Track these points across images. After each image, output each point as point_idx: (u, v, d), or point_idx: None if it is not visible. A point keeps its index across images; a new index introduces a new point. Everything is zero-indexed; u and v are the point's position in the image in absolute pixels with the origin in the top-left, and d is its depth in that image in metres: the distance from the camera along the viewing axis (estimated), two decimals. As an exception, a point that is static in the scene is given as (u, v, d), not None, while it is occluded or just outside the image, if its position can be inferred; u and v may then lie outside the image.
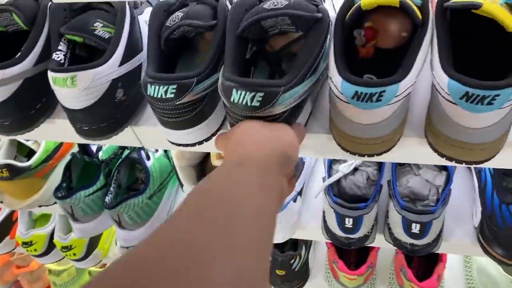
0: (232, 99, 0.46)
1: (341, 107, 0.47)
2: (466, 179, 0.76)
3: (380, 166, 0.70)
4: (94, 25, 0.57)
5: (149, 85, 0.49)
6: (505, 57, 0.46)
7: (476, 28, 0.50)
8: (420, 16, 0.48)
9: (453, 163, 0.49)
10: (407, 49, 0.47)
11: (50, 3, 0.59)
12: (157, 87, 0.48)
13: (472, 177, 0.73)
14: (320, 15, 0.49)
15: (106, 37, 0.56)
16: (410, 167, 0.70)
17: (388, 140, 0.50)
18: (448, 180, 0.66)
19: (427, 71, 0.47)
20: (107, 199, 0.75)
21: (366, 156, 0.52)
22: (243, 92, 0.45)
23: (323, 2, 0.57)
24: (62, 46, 0.56)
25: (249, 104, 0.45)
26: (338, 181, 0.71)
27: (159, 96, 0.49)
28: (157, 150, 0.82)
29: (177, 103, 0.49)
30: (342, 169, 0.67)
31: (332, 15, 0.54)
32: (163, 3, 0.56)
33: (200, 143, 0.55)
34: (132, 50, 0.57)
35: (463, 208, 0.73)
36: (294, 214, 0.73)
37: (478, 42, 0.51)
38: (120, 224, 0.77)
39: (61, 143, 0.88)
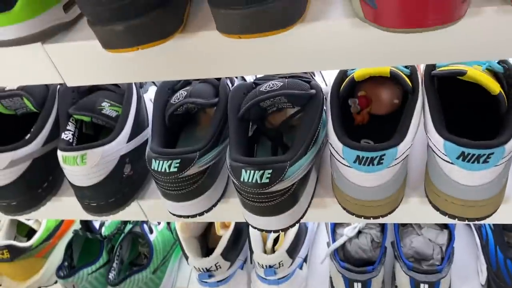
0: (242, 179, 0.48)
1: (344, 171, 0.49)
2: (467, 236, 0.77)
3: (383, 227, 0.71)
4: (102, 104, 0.59)
5: (153, 160, 0.51)
6: (492, 118, 0.49)
7: (464, 92, 0.53)
8: (410, 84, 0.51)
9: (456, 221, 0.50)
10: (401, 114, 0.51)
11: (59, 86, 0.62)
12: (161, 161, 0.50)
13: (473, 234, 0.74)
14: (313, 91, 0.52)
15: (113, 115, 0.59)
16: (412, 227, 0.71)
17: (391, 202, 0.51)
18: (451, 238, 0.67)
19: (419, 133, 0.50)
20: (111, 275, 0.74)
21: (371, 218, 0.53)
22: (252, 171, 0.48)
23: (313, 77, 0.61)
24: (70, 126, 0.58)
25: (259, 181, 0.48)
26: (343, 245, 0.72)
27: (163, 170, 0.51)
28: (159, 223, 0.83)
29: (180, 176, 0.51)
30: (347, 232, 0.68)
31: (324, 87, 0.58)
32: (168, 83, 0.59)
33: (201, 214, 0.56)
34: (139, 127, 0.60)
35: (468, 266, 0.73)
36: (301, 281, 0.72)
37: (467, 104, 0.55)
38: (124, 302, 0.75)
39: (62, 221, 0.88)
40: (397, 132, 0.49)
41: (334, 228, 0.71)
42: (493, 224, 0.66)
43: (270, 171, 0.48)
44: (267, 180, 0.48)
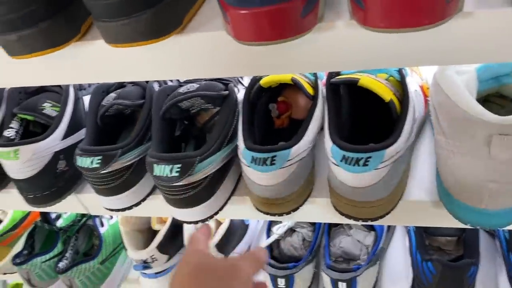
0: (154, 173, 0.52)
1: (245, 170, 0.53)
2: (403, 240, 0.79)
3: (315, 227, 0.74)
4: (43, 105, 0.64)
5: (77, 157, 0.55)
6: (389, 123, 0.52)
7: (368, 99, 0.56)
8: (311, 91, 0.55)
9: (351, 221, 0.53)
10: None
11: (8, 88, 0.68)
12: (84, 158, 0.55)
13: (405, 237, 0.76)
14: (226, 92, 0.56)
15: (53, 115, 0.64)
16: (343, 228, 0.73)
17: (292, 200, 0.55)
18: (377, 240, 0.69)
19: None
20: (61, 264, 0.79)
21: (276, 215, 0.56)
22: (163, 166, 0.52)
23: (240, 81, 0.64)
24: (14, 124, 0.64)
25: (169, 175, 0.52)
26: (277, 244, 0.75)
27: (86, 166, 0.55)
28: (111, 217, 0.87)
29: (103, 172, 0.55)
30: (276, 231, 0.71)
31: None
32: (103, 85, 0.64)
33: (129, 208, 0.60)
34: (75, 126, 0.65)
35: (400, 269, 0.75)
36: (237, 276, 0.76)
37: (369, 111, 0.58)
38: (72, 289, 0.80)
39: (29, 213, 0.94)
40: (294, 136, 0.52)
41: (269, 226, 0.75)
42: (415, 228, 0.68)
43: (179, 165, 0.52)
44: (177, 174, 0.52)
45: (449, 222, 0.53)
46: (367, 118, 0.57)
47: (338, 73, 0.55)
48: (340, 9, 0.39)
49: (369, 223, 0.53)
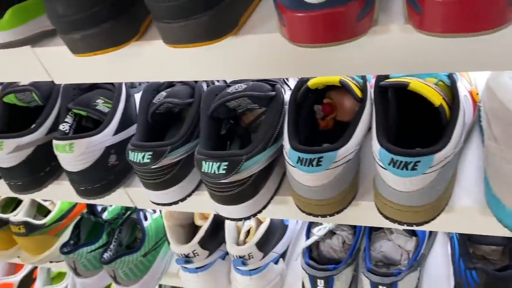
0: (202, 169, 0.54)
1: (290, 170, 0.53)
2: (445, 248, 0.78)
3: (355, 230, 0.74)
4: (96, 101, 0.67)
5: (130, 152, 0.58)
6: (436, 127, 0.52)
7: (418, 103, 0.56)
8: (359, 94, 0.55)
9: (396, 225, 0.53)
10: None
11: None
12: (136, 153, 0.57)
13: (448, 243, 0.75)
14: (273, 93, 0.57)
15: (105, 111, 0.67)
16: (384, 232, 0.73)
17: (336, 202, 0.55)
18: (418, 245, 0.68)
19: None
20: (105, 255, 0.82)
21: (319, 216, 0.57)
22: (210, 163, 0.53)
23: (286, 82, 0.65)
24: (68, 119, 0.67)
25: (216, 172, 0.53)
26: (317, 245, 0.75)
27: (137, 161, 0.57)
28: (155, 212, 0.90)
29: (153, 167, 0.57)
30: (316, 232, 0.72)
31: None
32: (153, 84, 0.66)
33: (176, 203, 0.62)
34: (126, 122, 0.67)
35: (441, 276, 0.74)
36: (275, 275, 0.76)
37: (420, 115, 0.57)
38: (115, 280, 0.83)
39: (75, 204, 0.98)
40: (341, 138, 0.53)
41: (309, 228, 0.75)
42: (459, 235, 0.67)
43: (226, 163, 0.53)
44: (224, 171, 0.53)
45: (497, 230, 0.52)
46: (414, 122, 0.57)
47: (386, 76, 0.55)
48: (393, 13, 0.39)
49: (414, 228, 0.53)
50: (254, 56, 0.44)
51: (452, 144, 0.48)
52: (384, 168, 0.48)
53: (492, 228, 0.52)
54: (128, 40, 0.45)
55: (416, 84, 0.51)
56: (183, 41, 0.40)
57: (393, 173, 0.48)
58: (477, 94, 0.60)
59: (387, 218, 0.53)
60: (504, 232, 0.52)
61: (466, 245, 0.66)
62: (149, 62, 0.48)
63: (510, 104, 0.43)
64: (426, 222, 0.52)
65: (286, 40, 0.39)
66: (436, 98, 0.50)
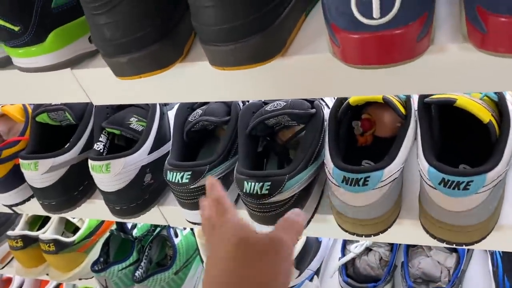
0: (244, 190, 0.53)
1: (334, 190, 0.52)
2: (483, 262, 0.76)
3: (392, 247, 0.72)
4: (130, 120, 0.67)
5: (168, 172, 0.57)
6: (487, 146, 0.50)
7: (463, 120, 0.55)
8: (403, 110, 0.54)
9: (444, 244, 0.52)
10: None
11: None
12: (174, 173, 0.56)
13: (488, 260, 0.73)
14: (314, 110, 0.56)
15: (139, 130, 0.66)
16: (422, 249, 0.71)
17: (382, 221, 0.54)
18: (459, 262, 0.67)
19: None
20: (137, 273, 0.82)
21: (363, 236, 0.55)
22: (253, 183, 0.52)
23: (322, 98, 0.64)
24: (102, 138, 0.66)
25: (259, 192, 0.52)
26: (353, 262, 0.74)
27: (176, 181, 0.56)
28: (185, 228, 0.89)
29: (191, 187, 0.57)
30: (353, 249, 0.70)
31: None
32: (188, 102, 0.66)
33: (214, 222, 0.61)
34: (160, 140, 0.67)
35: (482, 292, 0.72)
36: (310, 293, 0.75)
37: (466, 132, 0.56)
38: (148, 298, 0.82)
39: (103, 221, 0.97)
40: (387, 156, 0.51)
41: (345, 244, 0.74)
42: (503, 252, 0.65)
43: (269, 183, 0.52)
44: (267, 192, 0.52)
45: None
46: (459, 139, 0.55)
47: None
48: (448, 31, 0.38)
49: (464, 247, 0.51)
50: (301, 76, 0.43)
51: (504, 162, 0.46)
52: (434, 188, 0.47)
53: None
54: (173, 62, 0.44)
55: (463, 100, 0.49)
56: (231, 64, 0.40)
57: (444, 192, 0.46)
58: None
59: (435, 238, 0.52)
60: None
61: (510, 262, 0.64)
62: (192, 83, 0.47)
63: None
64: (477, 242, 0.51)
65: (335, 60, 0.38)
66: (485, 115, 0.49)
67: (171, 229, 0.87)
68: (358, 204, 0.51)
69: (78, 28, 0.49)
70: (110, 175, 0.61)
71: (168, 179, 0.57)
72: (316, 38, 0.42)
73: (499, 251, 0.66)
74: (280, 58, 0.41)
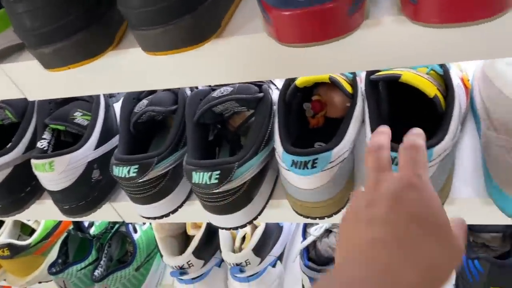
0: (193, 180, 0.51)
1: (284, 174, 0.51)
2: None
3: (352, 227, 0.72)
4: (74, 114, 0.64)
5: (114, 167, 0.55)
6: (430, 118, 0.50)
7: (411, 95, 0.54)
8: (350, 90, 0.53)
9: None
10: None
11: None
12: (121, 168, 0.54)
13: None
14: (261, 94, 0.55)
15: (84, 124, 0.63)
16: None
17: (335, 203, 0.53)
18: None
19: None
20: (96, 272, 0.79)
21: (317, 218, 0.55)
22: (201, 173, 0.51)
23: (272, 81, 0.63)
24: (46, 135, 0.63)
25: (208, 182, 0.51)
26: (314, 245, 0.73)
27: (123, 176, 0.54)
28: (144, 223, 0.87)
29: (140, 181, 0.55)
30: (313, 232, 0.70)
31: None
32: (134, 92, 0.63)
33: (167, 215, 0.59)
34: (107, 134, 0.64)
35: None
36: (273, 279, 0.74)
37: (412, 107, 0.56)
38: (109, 297, 0.80)
39: (60, 222, 0.94)
40: (335, 136, 0.50)
41: (305, 228, 0.73)
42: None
43: (218, 172, 0.51)
44: (216, 181, 0.51)
45: (500, 219, 0.51)
46: (408, 114, 0.55)
47: (374, 71, 0.53)
48: (384, 5, 0.37)
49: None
50: (240, 58, 0.41)
51: (450, 136, 0.46)
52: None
53: (495, 217, 0.50)
54: (103, 51, 0.42)
55: (408, 76, 0.49)
56: (163, 48, 0.38)
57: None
58: (468, 80, 0.59)
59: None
60: (507, 221, 0.51)
61: (468, 234, 0.64)
62: (128, 72, 0.45)
63: (508, 91, 0.42)
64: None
65: (273, 40, 0.37)
66: (430, 89, 0.49)
67: (130, 225, 0.85)
68: (309, 187, 0.50)
69: (1, 19, 0.46)
70: (55, 173, 0.58)
71: (114, 174, 0.55)
72: (254, 17, 0.40)
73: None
74: (215, 40, 0.40)
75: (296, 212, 0.55)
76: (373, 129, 0.48)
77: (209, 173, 0.50)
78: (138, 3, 0.35)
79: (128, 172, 0.54)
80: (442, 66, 0.52)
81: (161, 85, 0.45)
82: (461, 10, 0.31)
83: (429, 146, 0.44)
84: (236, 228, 0.56)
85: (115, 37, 0.43)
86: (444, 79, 0.51)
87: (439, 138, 0.45)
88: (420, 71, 0.52)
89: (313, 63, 0.40)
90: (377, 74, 0.51)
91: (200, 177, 0.50)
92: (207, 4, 0.37)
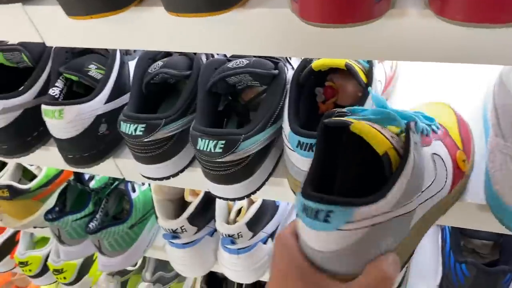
0: (198, 147, 0.52)
1: (289, 154, 0.52)
2: (434, 237, 0.77)
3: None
4: (89, 66, 0.64)
5: (122, 122, 0.55)
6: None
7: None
8: (365, 79, 0.53)
9: None
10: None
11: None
12: (128, 124, 0.55)
13: (439, 235, 0.75)
14: (276, 71, 0.55)
15: (98, 78, 0.64)
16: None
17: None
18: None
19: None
20: (91, 225, 0.81)
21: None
22: (207, 141, 0.51)
23: (288, 60, 0.63)
24: (59, 83, 0.64)
25: (212, 150, 0.51)
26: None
27: (129, 133, 0.55)
28: (143, 184, 0.88)
29: (145, 140, 0.55)
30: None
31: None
32: (150, 52, 0.63)
33: (167, 178, 0.60)
34: (119, 90, 0.64)
35: (429, 266, 0.74)
36: (262, 256, 0.76)
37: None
38: (100, 250, 0.82)
39: (62, 171, 0.95)
40: (343, 123, 0.51)
41: (301, 209, 0.74)
42: (451, 227, 0.67)
43: (223, 141, 0.51)
44: (220, 150, 0.51)
45: (494, 227, 0.51)
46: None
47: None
48: (411, -4, 0.37)
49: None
50: (260, 31, 0.41)
51: (388, 202, 0.34)
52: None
53: (490, 224, 0.51)
54: (127, 5, 0.42)
55: (358, 125, 0.38)
56: (186, 10, 0.38)
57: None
58: (463, 161, 0.48)
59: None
60: (500, 229, 0.51)
61: (458, 238, 0.65)
62: (148, 30, 0.45)
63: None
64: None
65: (296, 17, 0.37)
66: (381, 145, 0.37)
67: (129, 184, 0.86)
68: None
69: (29, -41, 0.46)
70: (63, 121, 0.58)
71: (121, 130, 0.55)
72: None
73: (448, 227, 0.68)
74: (238, 9, 0.40)
75: (295, 193, 0.56)
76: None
77: (215, 141, 0.51)
78: (168, -40, 0.35)
79: (135, 130, 0.55)
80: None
81: (178, 47, 0.45)
82: (487, 10, 0.31)
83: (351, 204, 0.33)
84: (233, 200, 0.57)
85: (139, -7, 0.43)
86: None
87: (371, 199, 0.33)
88: (391, 129, 0.40)
89: (333, 45, 0.40)
90: (329, 119, 0.42)
91: (205, 144, 0.51)
92: (235, -29, 0.37)
